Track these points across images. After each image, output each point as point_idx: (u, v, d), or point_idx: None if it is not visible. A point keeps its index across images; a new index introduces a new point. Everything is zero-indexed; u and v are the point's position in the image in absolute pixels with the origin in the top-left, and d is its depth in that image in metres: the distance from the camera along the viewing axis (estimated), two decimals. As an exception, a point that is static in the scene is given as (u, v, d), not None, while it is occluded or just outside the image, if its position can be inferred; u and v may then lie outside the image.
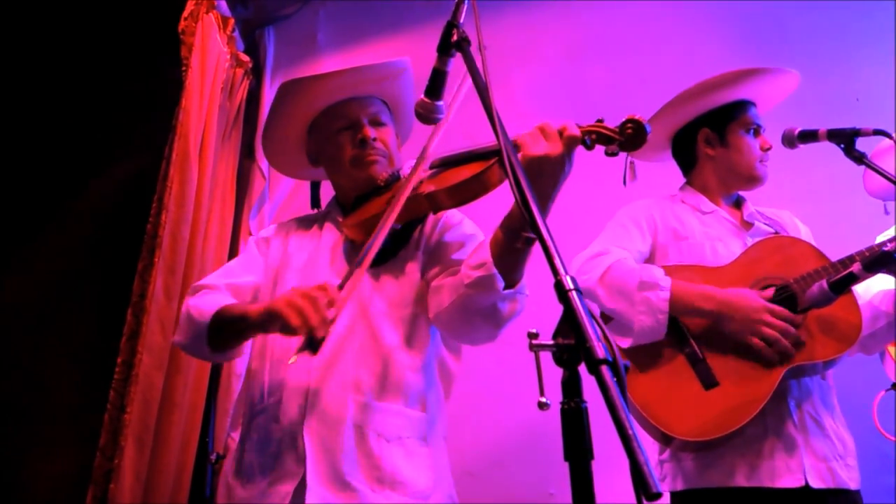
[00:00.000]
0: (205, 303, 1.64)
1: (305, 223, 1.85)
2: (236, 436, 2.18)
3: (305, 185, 3.00)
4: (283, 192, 3.30)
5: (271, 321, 1.45)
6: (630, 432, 0.79)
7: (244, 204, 3.35)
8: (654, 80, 2.26)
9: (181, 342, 1.67)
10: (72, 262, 3.32)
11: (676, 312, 1.79)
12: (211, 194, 3.07)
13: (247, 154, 3.39)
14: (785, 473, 1.69)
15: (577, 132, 1.35)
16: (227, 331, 1.60)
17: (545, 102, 2.97)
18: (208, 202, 3.05)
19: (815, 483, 1.70)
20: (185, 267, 2.90)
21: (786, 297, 1.80)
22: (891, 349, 2.01)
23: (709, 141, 2.03)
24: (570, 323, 0.90)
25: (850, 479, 1.75)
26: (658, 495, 0.76)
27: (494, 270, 1.39)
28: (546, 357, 0.96)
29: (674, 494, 1.81)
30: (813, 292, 1.66)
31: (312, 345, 1.40)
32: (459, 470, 1.77)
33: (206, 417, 2.95)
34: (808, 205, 2.35)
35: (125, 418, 2.67)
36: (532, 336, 0.95)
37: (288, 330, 1.41)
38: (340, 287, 1.45)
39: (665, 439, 1.79)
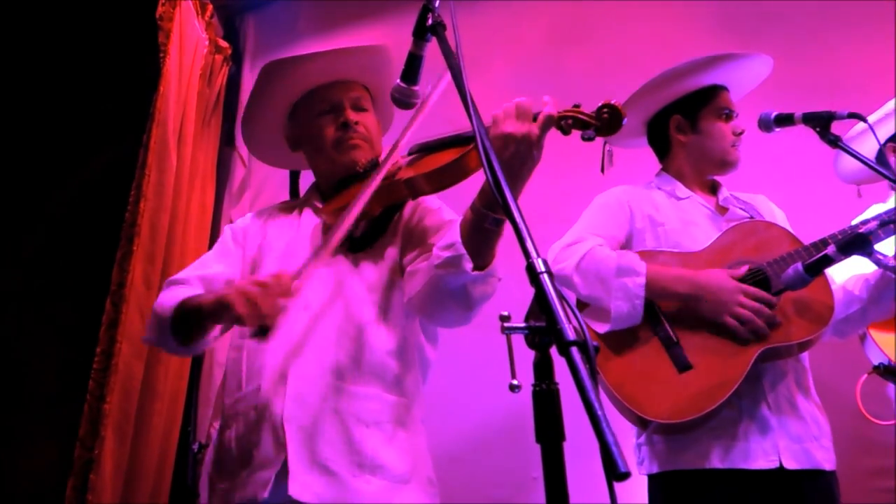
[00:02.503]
0: (168, 298, 1.64)
1: (284, 210, 1.85)
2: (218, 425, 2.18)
3: (286, 174, 2.99)
4: (263, 180, 3.28)
5: (222, 310, 1.46)
6: (599, 413, 0.79)
7: (225, 192, 3.34)
8: (635, 66, 2.25)
9: (149, 338, 1.68)
10: (50, 251, 3.29)
11: (652, 296, 1.81)
12: (190, 182, 3.06)
13: (227, 142, 3.38)
14: (759, 455, 1.71)
15: (553, 112, 1.35)
16: (188, 323, 1.60)
17: (526, 88, 2.94)
18: (187, 190, 3.03)
19: (790, 464, 1.71)
20: (164, 255, 2.89)
21: (759, 279, 1.81)
22: (873, 332, 2.01)
23: (680, 128, 2.04)
24: (541, 305, 0.90)
25: (825, 460, 1.76)
26: (626, 475, 0.77)
27: (463, 251, 1.38)
28: (520, 340, 0.96)
29: (650, 477, 1.83)
30: (788, 274, 1.67)
31: (261, 332, 1.41)
32: (442, 456, 1.77)
33: (188, 407, 2.95)
34: (784, 189, 2.35)
35: (105, 408, 2.65)
36: (504, 319, 0.95)
37: (237, 319, 1.42)
38: (298, 273, 1.46)
39: (641, 423, 1.80)
